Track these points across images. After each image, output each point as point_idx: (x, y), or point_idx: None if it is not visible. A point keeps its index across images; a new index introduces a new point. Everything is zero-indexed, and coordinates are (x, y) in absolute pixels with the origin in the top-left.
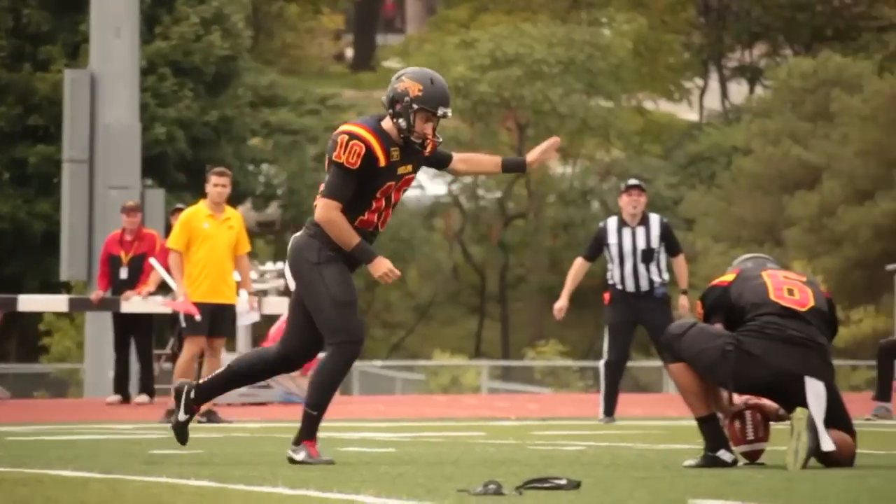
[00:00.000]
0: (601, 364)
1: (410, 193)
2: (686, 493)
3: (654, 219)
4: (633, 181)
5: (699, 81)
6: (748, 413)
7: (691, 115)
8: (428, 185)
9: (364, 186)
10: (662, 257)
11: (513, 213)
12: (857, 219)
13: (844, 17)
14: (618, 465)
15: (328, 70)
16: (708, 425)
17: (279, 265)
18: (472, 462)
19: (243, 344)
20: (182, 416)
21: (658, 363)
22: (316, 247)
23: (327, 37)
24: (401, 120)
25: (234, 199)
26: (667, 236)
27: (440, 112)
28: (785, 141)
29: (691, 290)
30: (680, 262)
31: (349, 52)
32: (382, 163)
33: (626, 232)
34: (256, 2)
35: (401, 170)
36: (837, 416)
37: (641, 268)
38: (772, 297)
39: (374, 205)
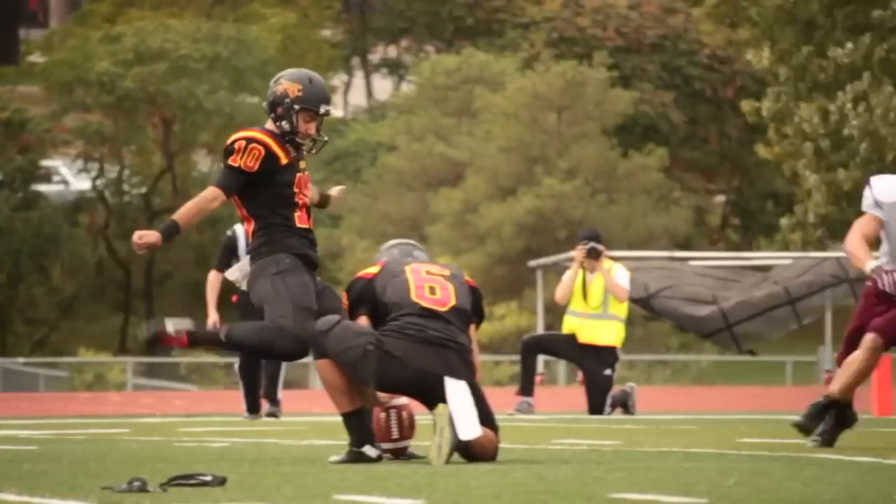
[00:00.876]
0: (236, 365)
1: (53, 188)
2: (331, 488)
3: None
4: None
5: (344, 77)
6: (393, 411)
7: (336, 111)
8: (72, 180)
9: (276, 185)
10: None
11: (158, 208)
12: (501, 215)
13: (485, 9)
14: (263, 461)
15: None
16: (353, 421)
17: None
18: (117, 459)
19: None
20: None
21: (304, 359)
22: (271, 261)
23: None
24: (283, 122)
25: None
26: None
27: (322, 110)
28: (429, 137)
29: (338, 287)
30: None
31: None
32: (284, 160)
33: None
34: None
35: (301, 165)
36: (479, 412)
37: None
38: (413, 297)
39: (297, 200)
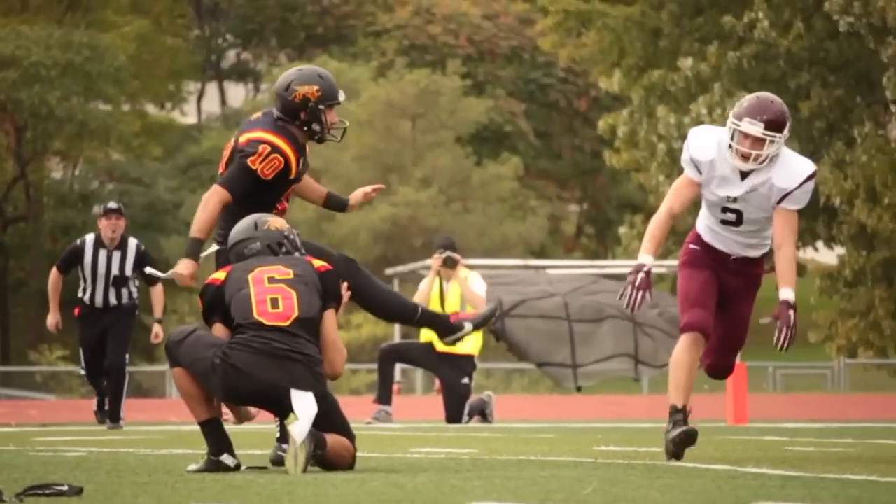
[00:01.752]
0: (81, 370)
1: None
2: (189, 497)
3: (132, 244)
4: (112, 204)
5: (197, 84)
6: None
7: (191, 118)
8: None
9: (272, 193)
10: (135, 281)
11: (11, 216)
12: (356, 223)
13: (335, 16)
14: (120, 471)
15: None
16: (210, 429)
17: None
18: None
19: None
20: None
21: (161, 367)
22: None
23: None
24: (314, 125)
25: None
26: (141, 263)
27: (341, 98)
28: None
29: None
30: (158, 290)
31: None
32: (293, 175)
33: (103, 254)
34: None
35: (303, 174)
36: (333, 421)
37: (112, 291)
38: (255, 315)
39: (279, 207)
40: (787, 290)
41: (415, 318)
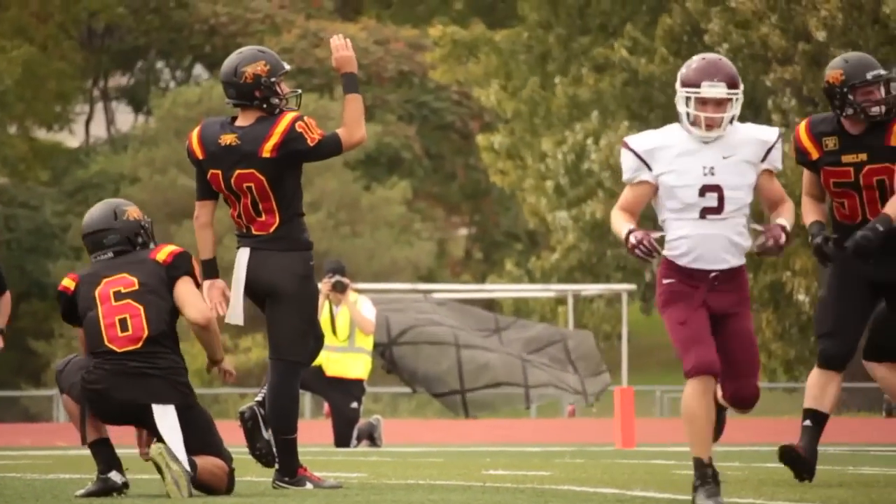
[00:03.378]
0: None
1: None
2: None
3: None
4: None
5: (85, 107)
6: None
7: (78, 142)
8: None
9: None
10: None
11: None
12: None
13: (223, 35)
14: (6, 496)
15: None
16: (98, 449)
17: None
18: None
19: None
20: None
21: (48, 392)
22: (305, 259)
23: None
24: (272, 99)
25: None
26: None
27: (287, 67)
28: (171, 170)
29: None
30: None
31: None
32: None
33: None
34: None
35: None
36: (206, 441)
37: None
38: (105, 343)
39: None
40: (783, 219)
41: None
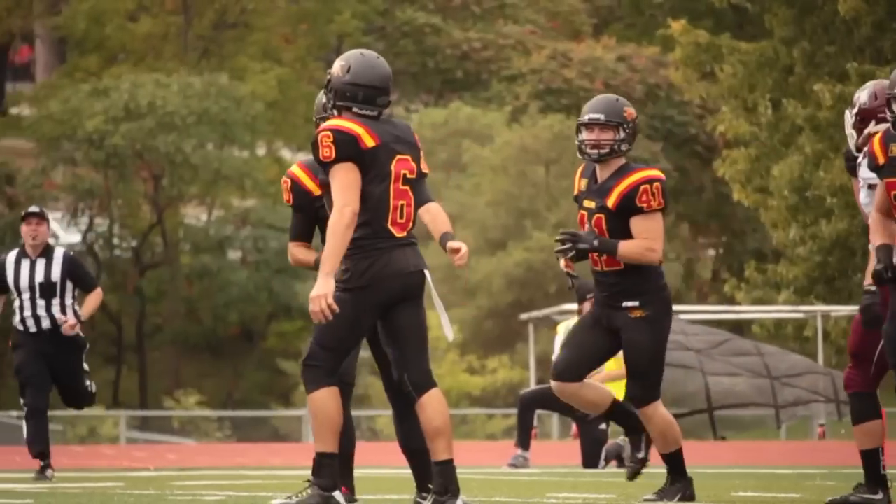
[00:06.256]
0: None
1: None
2: None
3: (59, 252)
4: (33, 208)
5: None
6: None
7: None
8: (62, 234)
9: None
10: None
11: (148, 262)
12: (490, 269)
13: (475, 61)
14: None
15: None
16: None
17: None
18: None
19: None
20: None
21: (298, 412)
22: None
23: None
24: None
25: None
26: (71, 270)
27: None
28: None
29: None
30: (96, 294)
31: None
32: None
33: (25, 264)
34: None
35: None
36: None
37: (42, 304)
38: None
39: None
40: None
41: None
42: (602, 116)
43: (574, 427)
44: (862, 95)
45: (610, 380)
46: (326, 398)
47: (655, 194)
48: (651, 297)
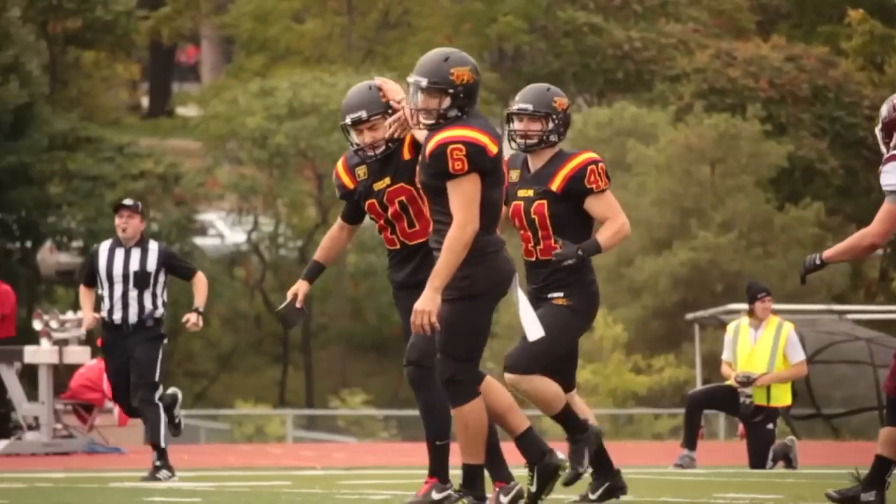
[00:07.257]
0: None
1: (209, 241)
2: None
3: (154, 244)
4: (127, 201)
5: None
6: None
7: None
8: (227, 233)
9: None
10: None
11: None
12: (656, 268)
13: (636, 61)
14: None
15: (123, 120)
16: (528, 440)
17: (79, 314)
18: None
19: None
20: None
21: None
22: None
23: (123, 86)
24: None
25: (37, 243)
26: (167, 263)
27: (347, 120)
28: None
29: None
30: (200, 279)
31: (145, 102)
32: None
33: (119, 252)
34: (53, 50)
35: (376, 186)
36: None
37: (134, 295)
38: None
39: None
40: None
41: None
42: (530, 107)
43: (741, 427)
44: (883, 109)
45: (778, 381)
46: (478, 410)
47: (601, 175)
48: (576, 290)
